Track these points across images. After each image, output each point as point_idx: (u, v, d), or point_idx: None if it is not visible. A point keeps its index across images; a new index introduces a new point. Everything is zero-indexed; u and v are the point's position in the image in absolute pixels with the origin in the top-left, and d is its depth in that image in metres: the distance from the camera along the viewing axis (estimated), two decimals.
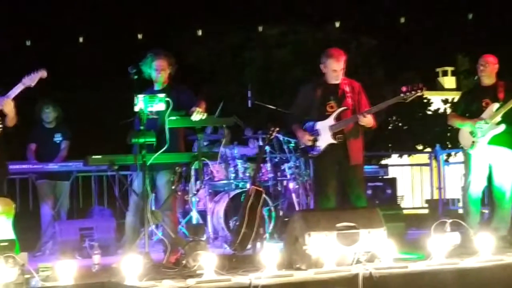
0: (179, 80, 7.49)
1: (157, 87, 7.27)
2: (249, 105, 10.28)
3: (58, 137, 9.27)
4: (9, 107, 6.50)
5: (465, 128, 7.79)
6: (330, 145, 7.41)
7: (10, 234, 6.04)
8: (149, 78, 7.26)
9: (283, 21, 16.47)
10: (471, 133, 7.69)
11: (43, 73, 6.71)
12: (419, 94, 7.35)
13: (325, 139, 7.41)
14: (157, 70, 7.22)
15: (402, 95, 7.35)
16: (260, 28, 16.65)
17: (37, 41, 16.54)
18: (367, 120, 7.36)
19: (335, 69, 7.43)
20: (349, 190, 7.51)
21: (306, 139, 7.48)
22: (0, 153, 6.28)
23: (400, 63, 17.85)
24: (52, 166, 8.83)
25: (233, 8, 17.06)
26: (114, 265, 6.35)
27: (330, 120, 7.41)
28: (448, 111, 20.44)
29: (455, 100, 9.63)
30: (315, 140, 7.45)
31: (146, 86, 7.35)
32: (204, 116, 6.93)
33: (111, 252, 8.07)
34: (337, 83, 7.51)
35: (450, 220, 6.47)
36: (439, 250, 6.18)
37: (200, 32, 16.99)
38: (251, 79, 14.53)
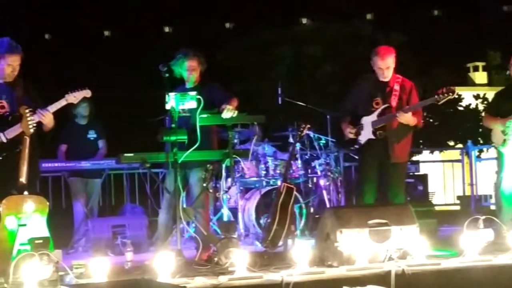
0: (209, 77, 7.52)
1: (188, 85, 7.31)
2: (279, 102, 10.28)
3: (92, 134, 9.32)
4: (48, 119, 6.54)
5: (497, 127, 7.77)
6: (371, 140, 7.52)
7: (45, 232, 6.09)
8: (180, 77, 7.30)
9: (314, 17, 16.44)
10: (503, 132, 7.66)
11: (87, 92, 6.75)
12: (450, 97, 7.38)
13: (366, 134, 7.53)
14: (188, 70, 7.25)
15: (436, 96, 7.36)
16: (291, 25, 16.66)
17: (64, 36, 16.64)
18: (406, 118, 7.39)
19: (380, 67, 7.52)
20: (387, 187, 7.56)
21: (348, 131, 7.63)
22: (32, 152, 6.33)
23: (431, 58, 17.73)
24: (85, 164, 8.85)
25: (263, 5, 17.07)
26: (146, 262, 6.38)
27: (373, 116, 7.51)
28: (480, 106, 20.33)
29: (489, 99, 9.64)
30: (357, 134, 7.59)
31: (177, 83, 7.38)
32: (235, 113, 6.95)
33: (143, 249, 8.11)
34: (386, 80, 7.59)
35: (483, 217, 6.41)
36: (472, 247, 6.15)
37: (230, 29, 17.02)
38: (281, 76, 14.49)
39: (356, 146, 7.63)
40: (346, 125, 7.67)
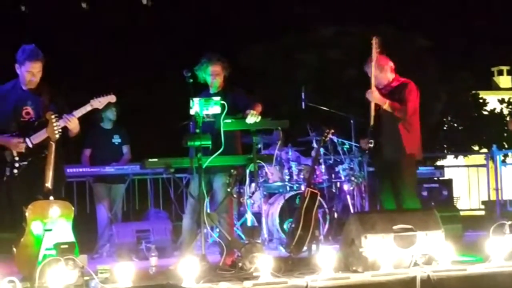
0: (232, 82, 7.52)
1: (212, 90, 7.32)
2: (303, 106, 10.26)
3: (116, 139, 9.35)
4: (73, 125, 6.62)
5: None
6: (370, 147, 7.56)
7: (70, 237, 6.12)
8: (204, 82, 7.31)
9: (336, 21, 16.41)
10: None
11: (112, 97, 6.82)
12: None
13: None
14: (212, 75, 7.25)
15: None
16: (314, 29, 16.63)
17: (88, 38, 16.71)
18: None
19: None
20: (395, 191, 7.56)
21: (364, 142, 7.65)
22: (57, 157, 6.37)
23: (455, 62, 17.64)
24: (109, 169, 8.89)
25: (286, 9, 17.07)
26: (171, 267, 6.40)
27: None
28: (505, 111, 20.19)
29: None
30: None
31: (202, 88, 7.39)
32: (258, 118, 6.95)
33: (168, 254, 8.13)
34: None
35: (509, 222, 6.36)
36: (498, 252, 6.09)
37: (253, 33, 17.04)
38: (304, 80, 14.48)
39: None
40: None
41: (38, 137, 6.55)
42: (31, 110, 6.68)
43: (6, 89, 6.73)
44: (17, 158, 6.53)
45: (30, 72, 6.61)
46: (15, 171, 6.51)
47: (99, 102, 6.76)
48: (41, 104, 6.67)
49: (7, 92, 6.70)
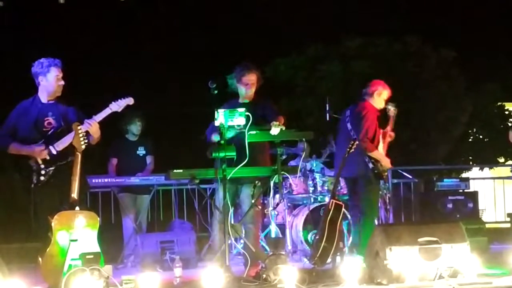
0: (258, 92, 7.52)
1: (243, 100, 7.28)
2: (327, 118, 10.24)
3: (141, 150, 9.40)
4: (94, 129, 6.74)
5: None
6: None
7: (96, 247, 6.16)
8: (235, 90, 7.28)
9: (362, 33, 16.35)
10: None
11: (130, 100, 6.98)
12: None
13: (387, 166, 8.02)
14: (248, 85, 7.23)
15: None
16: (339, 41, 16.58)
17: (113, 48, 16.79)
18: None
19: (386, 99, 8.02)
20: None
21: (389, 163, 7.98)
22: (82, 167, 6.47)
23: (481, 74, 17.52)
24: (134, 180, 8.92)
25: (312, 20, 17.06)
26: (195, 279, 6.40)
27: (383, 147, 8.02)
28: None
29: None
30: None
31: (228, 98, 7.39)
32: (283, 128, 6.94)
33: (192, 265, 8.14)
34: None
35: None
36: None
37: (279, 45, 17.04)
38: (330, 92, 14.45)
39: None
40: (384, 157, 7.96)
41: (61, 144, 6.70)
42: (52, 120, 6.87)
43: (26, 105, 6.91)
44: (42, 166, 6.68)
45: (57, 77, 6.82)
46: (42, 178, 6.65)
47: (117, 106, 6.90)
48: (60, 112, 6.86)
49: (27, 108, 6.88)
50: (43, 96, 6.90)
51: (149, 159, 9.44)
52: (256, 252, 7.06)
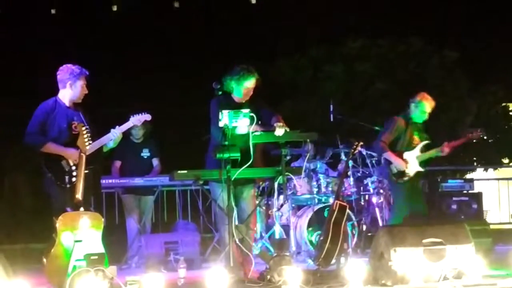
0: (261, 94, 7.48)
1: (239, 100, 7.23)
2: (331, 119, 10.24)
3: (145, 153, 9.39)
4: (118, 139, 7.14)
5: None
6: (417, 172, 8.42)
7: (100, 248, 6.17)
8: (230, 90, 7.23)
9: (365, 34, 16.33)
10: None
11: (148, 116, 7.50)
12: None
13: (413, 167, 8.40)
14: (247, 88, 7.15)
15: (469, 135, 8.80)
16: (342, 42, 16.56)
17: (122, 50, 16.77)
18: (446, 153, 8.54)
19: (425, 111, 8.48)
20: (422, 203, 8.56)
21: (403, 164, 8.35)
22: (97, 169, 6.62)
23: (485, 74, 17.49)
24: (138, 181, 8.93)
25: (315, 21, 17.02)
26: (199, 279, 6.40)
27: (417, 151, 8.42)
28: None
29: None
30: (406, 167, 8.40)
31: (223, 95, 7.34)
32: (287, 129, 6.91)
33: (196, 266, 8.15)
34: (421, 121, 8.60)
35: None
36: None
37: (281, 46, 17.03)
38: (333, 93, 14.46)
39: (406, 178, 8.38)
40: (398, 159, 8.39)
41: (91, 148, 6.83)
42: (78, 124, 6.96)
43: (50, 107, 7.00)
44: (74, 168, 6.78)
45: (84, 86, 7.03)
46: (74, 179, 6.72)
47: (138, 121, 7.48)
48: (82, 118, 7.02)
49: (52, 110, 6.98)
50: (66, 100, 7.02)
51: (155, 162, 9.43)
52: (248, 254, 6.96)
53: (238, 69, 7.09)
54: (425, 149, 8.48)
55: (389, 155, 8.37)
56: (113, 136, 7.01)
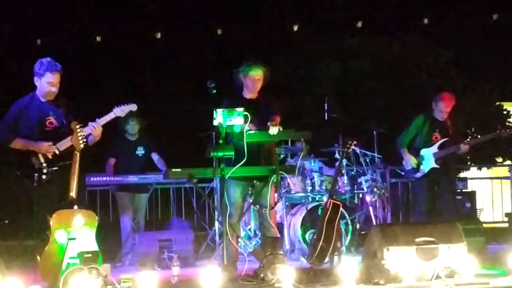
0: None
1: (248, 95, 7.27)
2: (326, 117, 10.24)
3: (140, 150, 9.29)
4: (98, 132, 6.86)
5: None
6: (433, 168, 8.68)
7: (94, 246, 6.17)
8: (240, 85, 7.27)
9: (361, 32, 16.34)
10: None
11: (133, 107, 7.16)
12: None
13: (429, 164, 8.70)
14: (254, 81, 7.20)
15: (498, 132, 9.26)
16: (338, 39, 16.58)
17: (120, 45, 16.74)
18: (464, 150, 8.77)
19: (442, 110, 8.77)
20: (441, 198, 8.75)
21: (413, 162, 8.75)
22: (80, 167, 6.52)
23: (479, 73, 17.52)
24: (132, 179, 8.89)
25: (310, 19, 17.01)
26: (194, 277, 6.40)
27: (434, 148, 8.71)
28: None
29: None
30: (419, 164, 8.75)
31: (230, 93, 7.37)
32: (280, 128, 6.92)
33: (190, 263, 8.16)
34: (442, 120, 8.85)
35: None
36: None
37: (277, 44, 17.03)
38: (327, 91, 14.46)
39: (420, 174, 8.75)
40: (409, 156, 8.81)
41: (64, 144, 6.75)
42: (54, 120, 6.91)
43: (25, 103, 6.91)
44: (44, 164, 6.71)
45: (50, 83, 6.81)
46: (44, 177, 6.68)
47: (121, 111, 7.05)
48: (61, 114, 6.90)
49: (27, 105, 6.89)
50: (41, 95, 6.91)
51: (155, 156, 9.32)
52: (253, 251, 7.01)
53: (246, 62, 7.20)
54: (443, 146, 8.74)
55: (401, 152, 8.88)
56: (90, 130, 6.76)
